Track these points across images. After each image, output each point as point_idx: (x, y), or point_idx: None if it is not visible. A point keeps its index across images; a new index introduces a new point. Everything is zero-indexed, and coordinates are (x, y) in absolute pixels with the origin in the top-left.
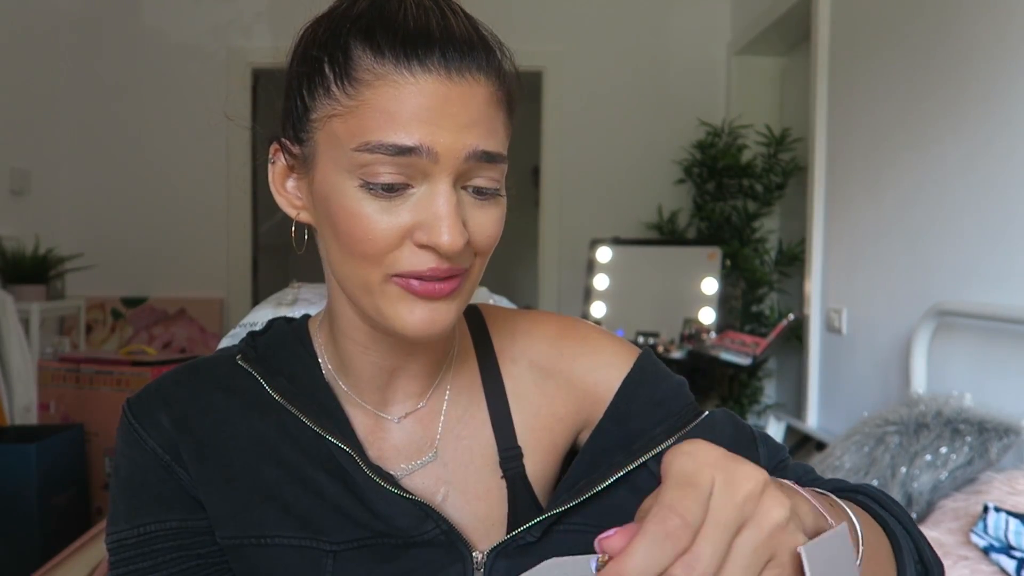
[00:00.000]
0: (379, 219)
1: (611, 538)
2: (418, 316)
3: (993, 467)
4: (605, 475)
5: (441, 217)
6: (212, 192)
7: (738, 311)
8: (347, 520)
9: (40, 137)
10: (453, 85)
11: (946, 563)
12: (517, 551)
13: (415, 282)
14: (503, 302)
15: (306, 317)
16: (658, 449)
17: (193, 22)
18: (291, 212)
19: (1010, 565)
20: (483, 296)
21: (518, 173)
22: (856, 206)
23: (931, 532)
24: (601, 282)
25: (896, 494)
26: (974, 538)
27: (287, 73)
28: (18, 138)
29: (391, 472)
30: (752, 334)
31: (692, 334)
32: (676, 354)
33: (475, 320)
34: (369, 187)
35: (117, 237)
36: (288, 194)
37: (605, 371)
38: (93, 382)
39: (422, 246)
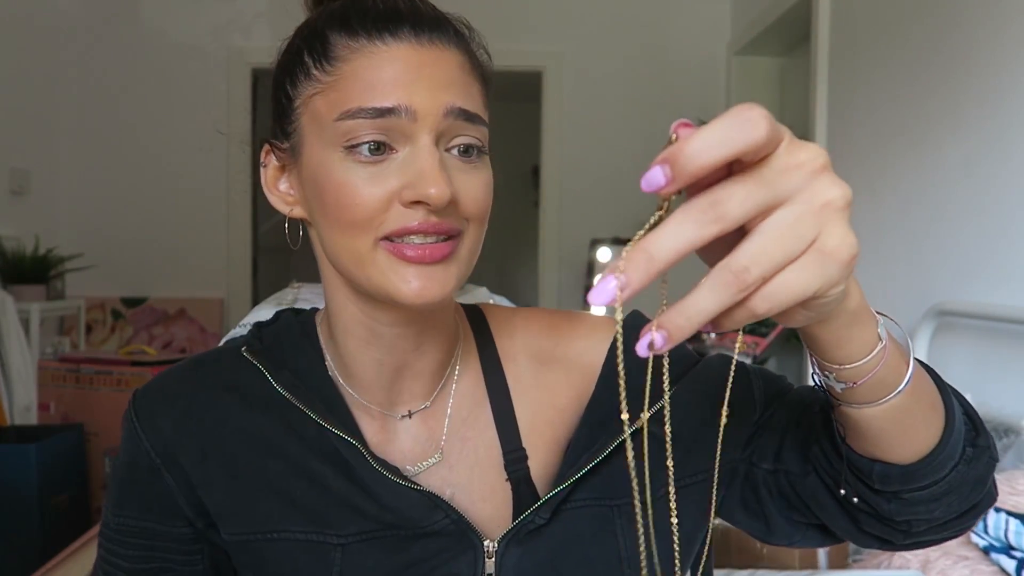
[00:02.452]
0: (367, 185)
1: (689, 126)
2: (414, 284)
3: None
4: (604, 445)
5: (426, 171)
6: (212, 192)
7: None
8: (354, 513)
9: (40, 137)
10: (424, 51)
11: (946, 563)
12: (528, 536)
13: (408, 250)
14: (503, 302)
15: (314, 310)
16: (654, 408)
17: (193, 22)
18: (284, 209)
19: (1010, 565)
20: (483, 296)
21: (518, 173)
22: (856, 206)
23: None
24: None
25: None
26: (974, 538)
27: (273, 78)
28: (18, 138)
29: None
30: (752, 334)
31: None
32: None
33: (477, 320)
34: (353, 150)
35: (117, 237)
36: (281, 193)
37: (597, 348)
38: (93, 382)
39: (411, 204)
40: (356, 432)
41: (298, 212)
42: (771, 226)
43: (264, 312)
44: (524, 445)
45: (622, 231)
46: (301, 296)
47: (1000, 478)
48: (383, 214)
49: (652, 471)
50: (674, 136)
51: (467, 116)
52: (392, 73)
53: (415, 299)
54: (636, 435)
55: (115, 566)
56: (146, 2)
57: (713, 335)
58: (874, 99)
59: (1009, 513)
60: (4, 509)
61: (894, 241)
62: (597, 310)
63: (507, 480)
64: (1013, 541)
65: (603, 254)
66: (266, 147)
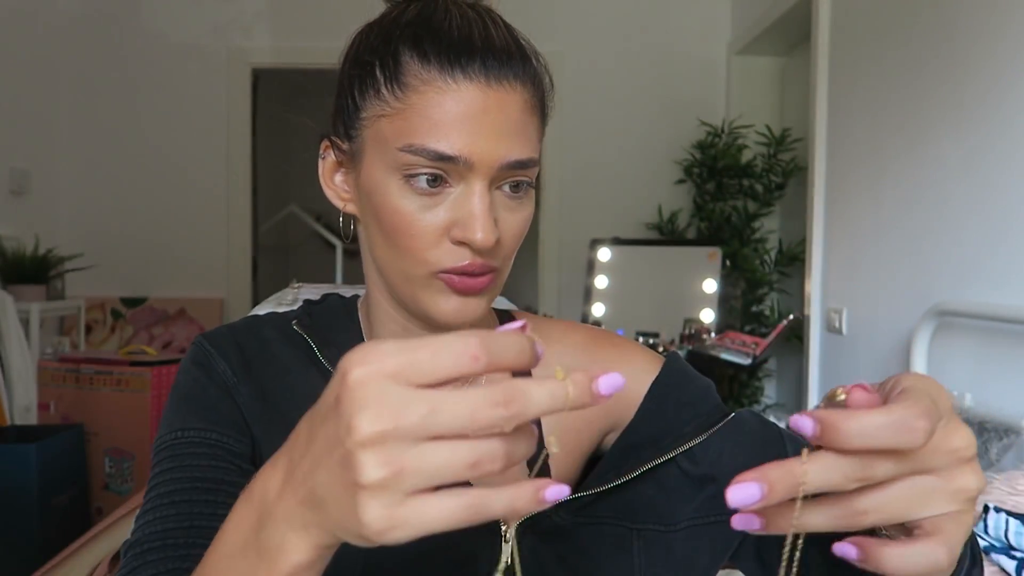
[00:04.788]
0: (420, 216)
1: (865, 391)
2: (452, 306)
3: (993, 467)
4: (634, 467)
5: (476, 216)
6: (212, 192)
7: (738, 311)
8: None
9: (40, 137)
10: (491, 92)
11: None
12: (545, 532)
13: (456, 278)
14: (503, 303)
15: (356, 297)
16: (686, 446)
17: (193, 22)
18: (338, 204)
19: (1010, 565)
20: None
21: None
22: (856, 206)
23: None
24: (601, 282)
25: None
26: None
27: (340, 74)
28: (18, 138)
29: None
30: (752, 334)
31: (692, 334)
32: None
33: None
34: (411, 183)
35: (117, 237)
36: (336, 187)
37: (637, 376)
38: (93, 382)
39: (458, 242)
40: None
41: (351, 209)
42: (905, 488)
43: (264, 311)
44: (546, 447)
45: (622, 231)
46: (301, 296)
47: (1000, 478)
48: (435, 248)
49: (676, 504)
50: (842, 394)
51: (520, 165)
52: (457, 116)
53: (449, 320)
54: (664, 466)
55: (167, 483)
56: (146, 2)
57: (713, 334)
58: (874, 99)
59: (1009, 513)
60: (4, 509)
61: (894, 241)
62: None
63: (528, 476)
64: (1013, 541)
65: (603, 254)
66: (325, 142)
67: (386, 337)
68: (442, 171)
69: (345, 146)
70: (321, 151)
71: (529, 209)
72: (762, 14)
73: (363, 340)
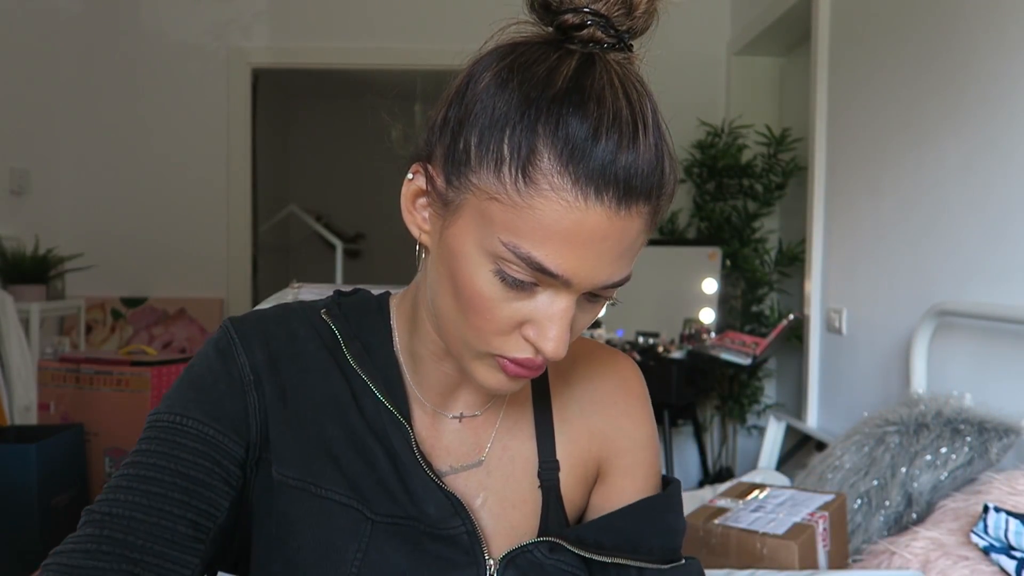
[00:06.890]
0: (501, 306)
1: None
2: (498, 381)
3: (993, 467)
4: (611, 554)
5: (554, 327)
6: (212, 192)
7: (738, 311)
8: (387, 496)
9: (40, 137)
10: (618, 220)
11: (946, 563)
12: (526, 565)
13: (511, 365)
14: None
15: (387, 294)
16: (651, 566)
17: (193, 22)
18: (414, 231)
19: (1010, 565)
20: None
21: None
22: (856, 206)
23: (931, 532)
24: None
25: (896, 494)
26: (974, 538)
27: (459, 93)
28: (18, 138)
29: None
30: (752, 334)
31: (692, 334)
32: (676, 354)
33: None
34: (501, 275)
35: (117, 237)
36: (416, 214)
37: (637, 455)
38: (93, 382)
39: (528, 340)
40: (408, 418)
41: (426, 241)
42: None
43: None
44: (558, 457)
45: None
46: (301, 296)
47: (1000, 478)
48: (503, 335)
49: None
50: None
51: (616, 284)
52: (574, 238)
53: (493, 390)
54: (620, 566)
55: (149, 467)
56: (146, 2)
57: (713, 334)
58: (874, 99)
59: (1009, 513)
60: (4, 509)
61: (894, 241)
62: None
63: (539, 487)
64: (1013, 541)
65: None
66: (417, 166)
67: (422, 351)
68: (537, 280)
69: (440, 186)
70: (410, 173)
71: (603, 304)
72: (762, 14)
73: (391, 338)
